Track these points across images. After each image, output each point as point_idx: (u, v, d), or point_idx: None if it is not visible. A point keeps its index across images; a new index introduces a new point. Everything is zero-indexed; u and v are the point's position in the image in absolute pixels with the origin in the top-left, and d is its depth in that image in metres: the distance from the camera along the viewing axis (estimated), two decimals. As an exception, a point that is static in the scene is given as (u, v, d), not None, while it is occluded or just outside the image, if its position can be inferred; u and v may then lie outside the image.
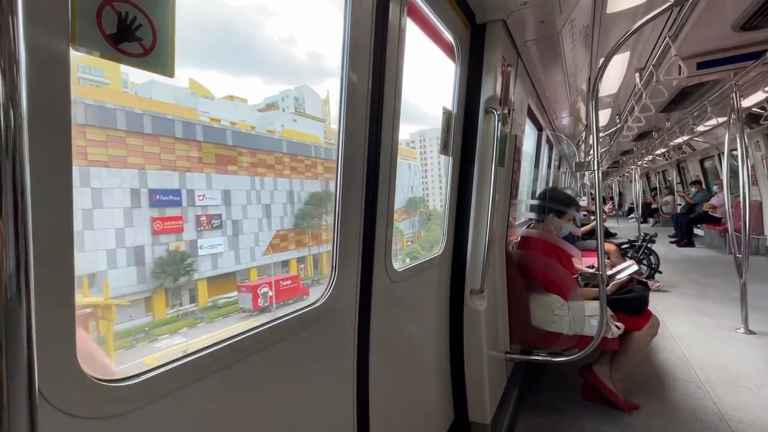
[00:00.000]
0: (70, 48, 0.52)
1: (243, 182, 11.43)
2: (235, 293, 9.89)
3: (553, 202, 2.41)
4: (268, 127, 12.72)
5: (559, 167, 6.26)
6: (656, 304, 3.93)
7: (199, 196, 10.46)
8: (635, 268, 2.29)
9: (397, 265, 1.41)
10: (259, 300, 9.19)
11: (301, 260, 12.11)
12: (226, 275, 10.44)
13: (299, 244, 12.38)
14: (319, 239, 12.72)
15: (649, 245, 5.07)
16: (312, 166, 13.43)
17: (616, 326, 2.03)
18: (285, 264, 11.75)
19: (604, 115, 5.65)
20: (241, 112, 12.56)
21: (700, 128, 6.04)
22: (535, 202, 2.67)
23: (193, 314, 9.33)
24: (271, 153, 12.39)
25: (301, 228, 12.52)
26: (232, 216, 11.00)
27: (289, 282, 10.20)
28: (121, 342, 7.88)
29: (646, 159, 10.46)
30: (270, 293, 9.36)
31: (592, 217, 5.41)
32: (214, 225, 10.53)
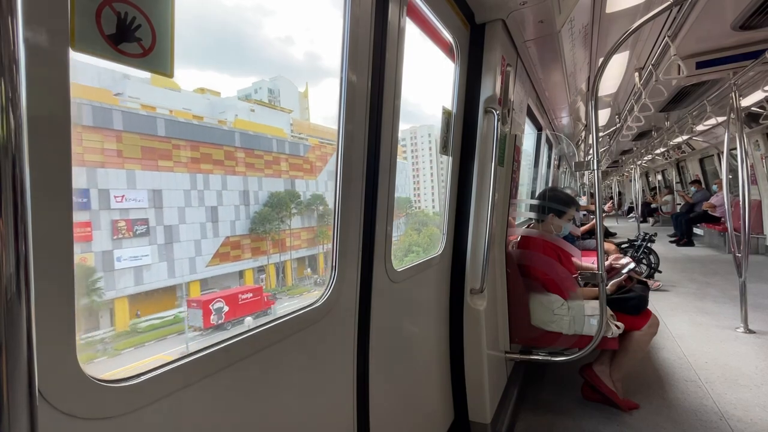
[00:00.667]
0: (70, 49, 0.52)
1: (180, 180, 9.36)
2: (169, 312, 8.27)
3: (553, 202, 2.41)
4: (219, 117, 10.83)
5: (558, 167, 6.26)
6: (656, 303, 3.93)
7: (116, 197, 8.52)
8: (633, 265, 2.30)
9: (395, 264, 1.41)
10: (212, 317, 7.68)
11: (260, 270, 10.53)
12: (156, 292, 8.60)
13: (257, 252, 10.57)
14: (282, 246, 11.07)
15: (648, 245, 5.07)
16: (274, 162, 11.65)
17: (616, 326, 2.03)
18: (241, 275, 10.23)
19: (604, 115, 5.65)
20: (186, 100, 10.42)
21: (700, 128, 6.04)
22: (535, 201, 2.67)
23: (100, 343, 7.48)
24: (220, 147, 10.36)
25: (259, 233, 10.69)
26: (165, 221, 9.00)
27: (249, 295, 8.61)
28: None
29: (646, 158, 10.46)
30: (225, 308, 7.90)
31: (592, 217, 5.41)
32: (138, 232, 8.54)
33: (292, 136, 12.64)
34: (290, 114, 12.95)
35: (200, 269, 9.21)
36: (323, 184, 12.81)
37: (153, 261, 8.61)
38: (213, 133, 10.53)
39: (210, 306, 7.70)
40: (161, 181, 9.16)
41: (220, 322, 7.71)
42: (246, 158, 11.01)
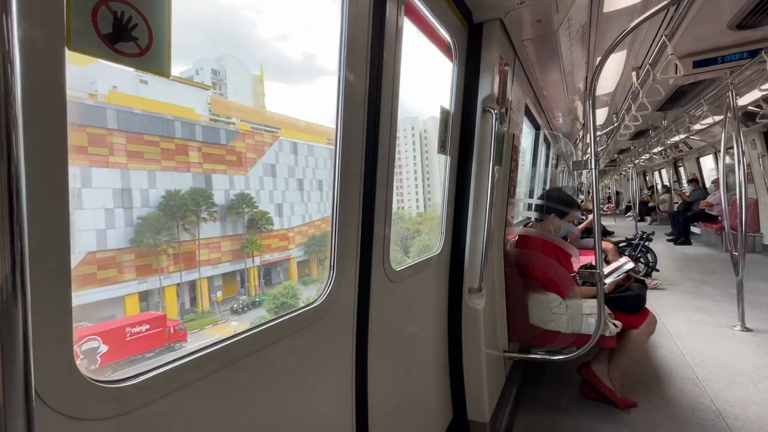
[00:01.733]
0: (66, 48, 0.52)
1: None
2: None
3: (556, 203, 2.40)
4: (90, 90, 7.94)
5: (556, 166, 6.27)
6: (653, 301, 3.94)
7: None
8: (631, 265, 2.30)
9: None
10: (79, 361, 4.84)
11: (157, 293, 8.03)
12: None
13: (144, 271, 7.91)
14: (190, 260, 8.38)
15: (646, 243, 5.09)
16: (177, 151, 8.84)
17: (614, 324, 2.04)
18: (118, 302, 7.58)
19: (602, 114, 5.66)
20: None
21: (697, 126, 6.07)
22: (536, 201, 2.67)
23: None
24: (81, 128, 7.67)
25: (148, 245, 8.11)
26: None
27: (145, 327, 6.43)
28: None
29: (644, 157, 10.50)
30: (102, 348, 5.85)
31: (590, 216, 5.42)
32: None
33: (211, 118, 9.85)
34: (208, 91, 10.26)
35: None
36: (257, 181, 10.24)
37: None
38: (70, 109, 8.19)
39: (75, 347, 6.39)
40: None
41: (93, 367, 5.48)
42: (128, 145, 8.10)
